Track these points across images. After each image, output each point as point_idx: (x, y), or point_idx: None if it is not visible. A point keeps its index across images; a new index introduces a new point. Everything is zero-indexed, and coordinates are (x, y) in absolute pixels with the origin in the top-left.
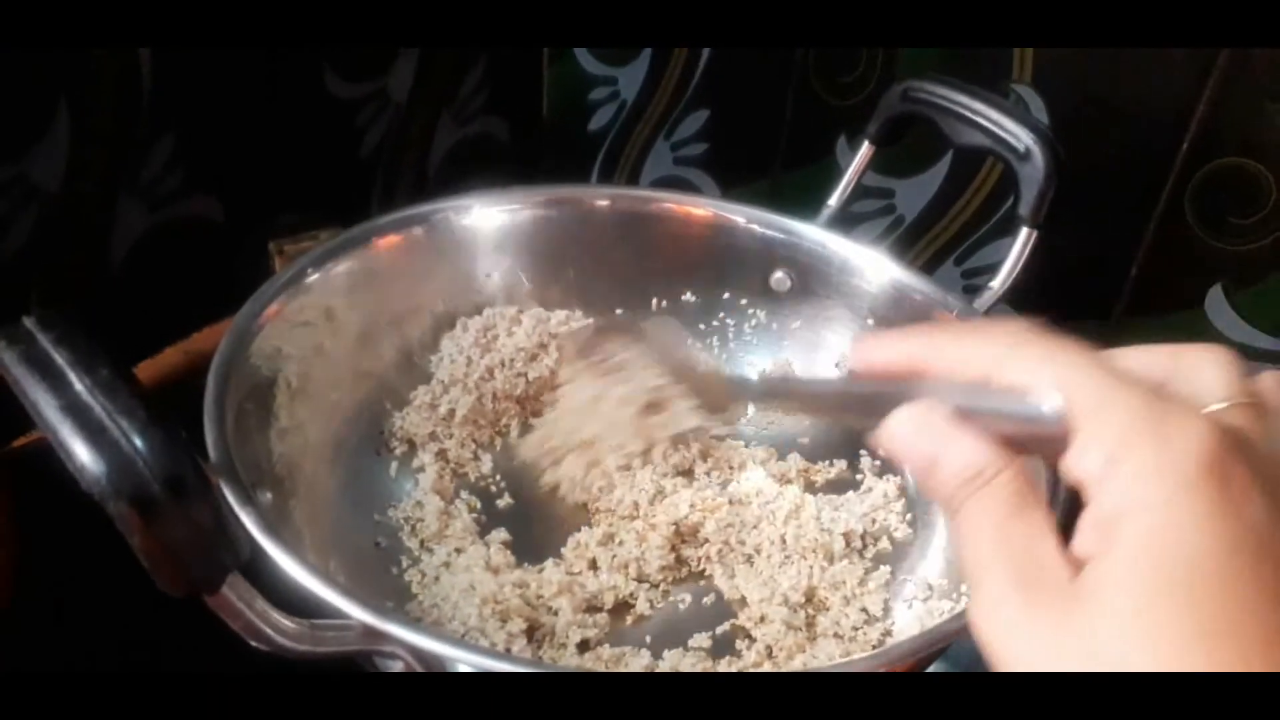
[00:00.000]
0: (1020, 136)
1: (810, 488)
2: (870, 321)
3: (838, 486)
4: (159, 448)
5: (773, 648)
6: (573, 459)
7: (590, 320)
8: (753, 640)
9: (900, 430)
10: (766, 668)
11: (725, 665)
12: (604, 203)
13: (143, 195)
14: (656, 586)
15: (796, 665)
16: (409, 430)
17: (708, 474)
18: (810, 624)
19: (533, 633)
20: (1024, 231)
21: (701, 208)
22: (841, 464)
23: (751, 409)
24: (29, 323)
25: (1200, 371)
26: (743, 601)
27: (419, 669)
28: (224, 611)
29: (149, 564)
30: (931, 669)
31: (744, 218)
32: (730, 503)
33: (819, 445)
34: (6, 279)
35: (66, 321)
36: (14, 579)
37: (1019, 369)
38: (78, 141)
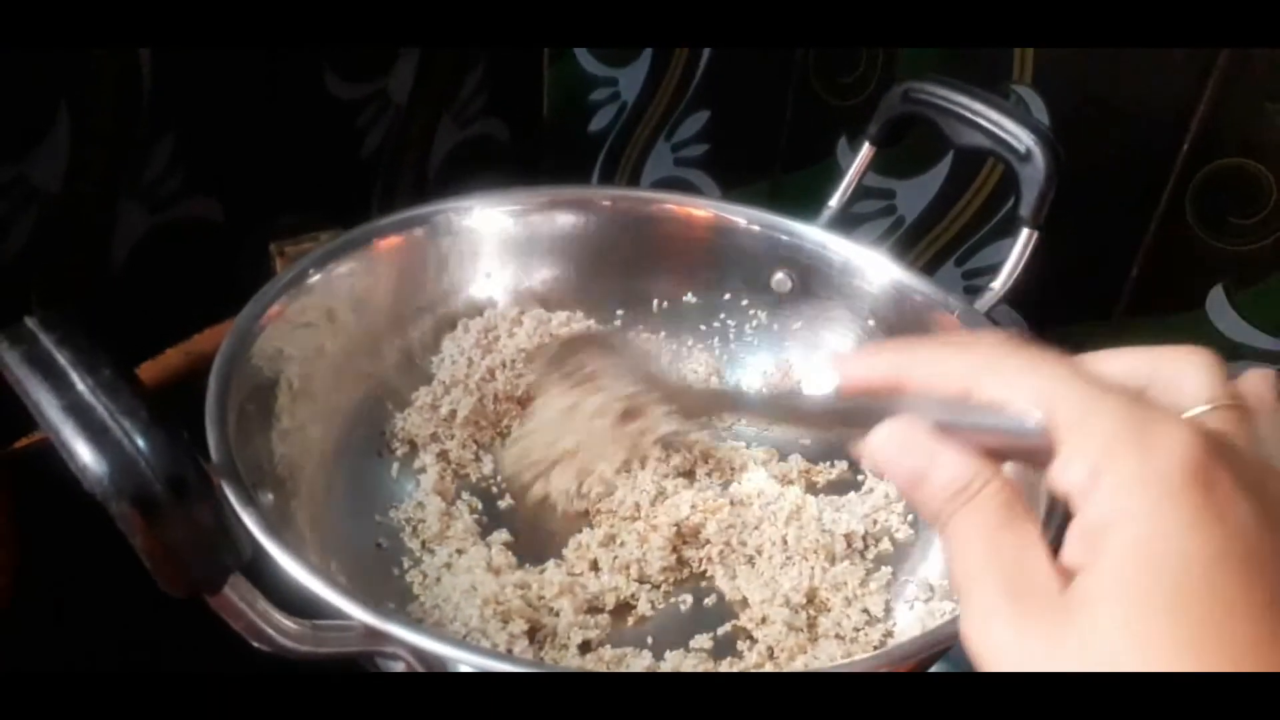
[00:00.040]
0: (1021, 137)
1: (812, 489)
2: (871, 323)
3: (839, 487)
4: (161, 448)
5: (774, 649)
6: (561, 471)
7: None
8: (754, 641)
9: (884, 446)
10: (768, 669)
11: (726, 666)
12: (605, 204)
13: (143, 196)
14: (658, 588)
15: (798, 666)
16: (410, 431)
17: (709, 475)
18: (811, 625)
19: (534, 634)
20: (1025, 232)
21: (702, 209)
22: (843, 465)
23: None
24: (31, 323)
25: (1182, 375)
26: (744, 602)
27: (420, 670)
28: (226, 612)
29: (151, 564)
30: (933, 669)
31: (745, 219)
32: (731, 504)
33: (820, 446)
34: (7, 279)
35: (68, 322)
36: (14, 579)
37: (998, 383)
38: (78, 142)
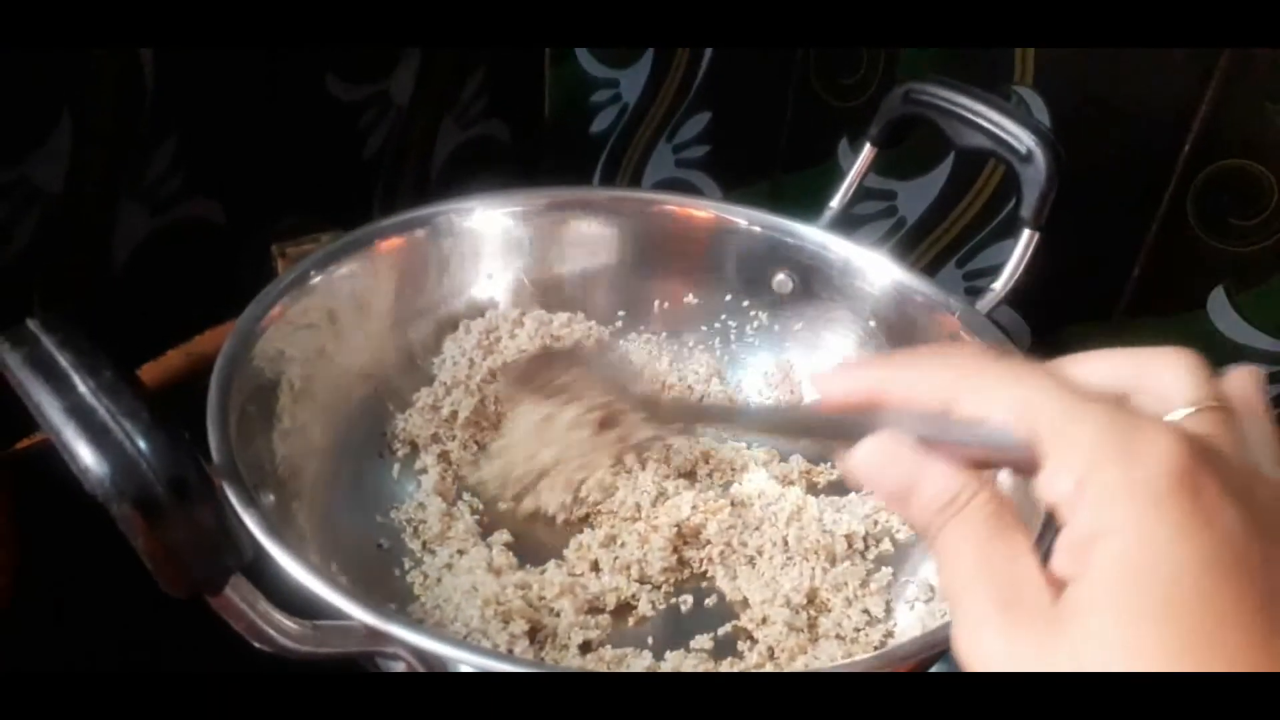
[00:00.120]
0: (1022, 138)
1: (812, 489)
2: (872, 323)
3: (840, 488)
4: (162, 449)
5: (774, 649)
6: (549, 485)
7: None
8: (754, 642)
9: (868, 461)
10: (768, 669)
11: (727, 667)
12: (606, 205)
13: (145, 197)
14: (658, 588)
15: (798, 666)
16: (411, 432)
17: (709, 476)
18: (812, 625)
19: (535, 634)
20: (1026, 233)
21: (703, 210)
22: None
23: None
24: (33, 325)
25: (1166, 377)
26: (744, 603)
27: (421, 670)
28: (227, 612)
29: (152, 565)
30: (933, 670)
31: (746, 220)
32: (732, 504)
33: (821, 447)
34: (9, 281)
35: (70, 324)
36: (14, 579)
37: (979, 396)
38: (80, 143)
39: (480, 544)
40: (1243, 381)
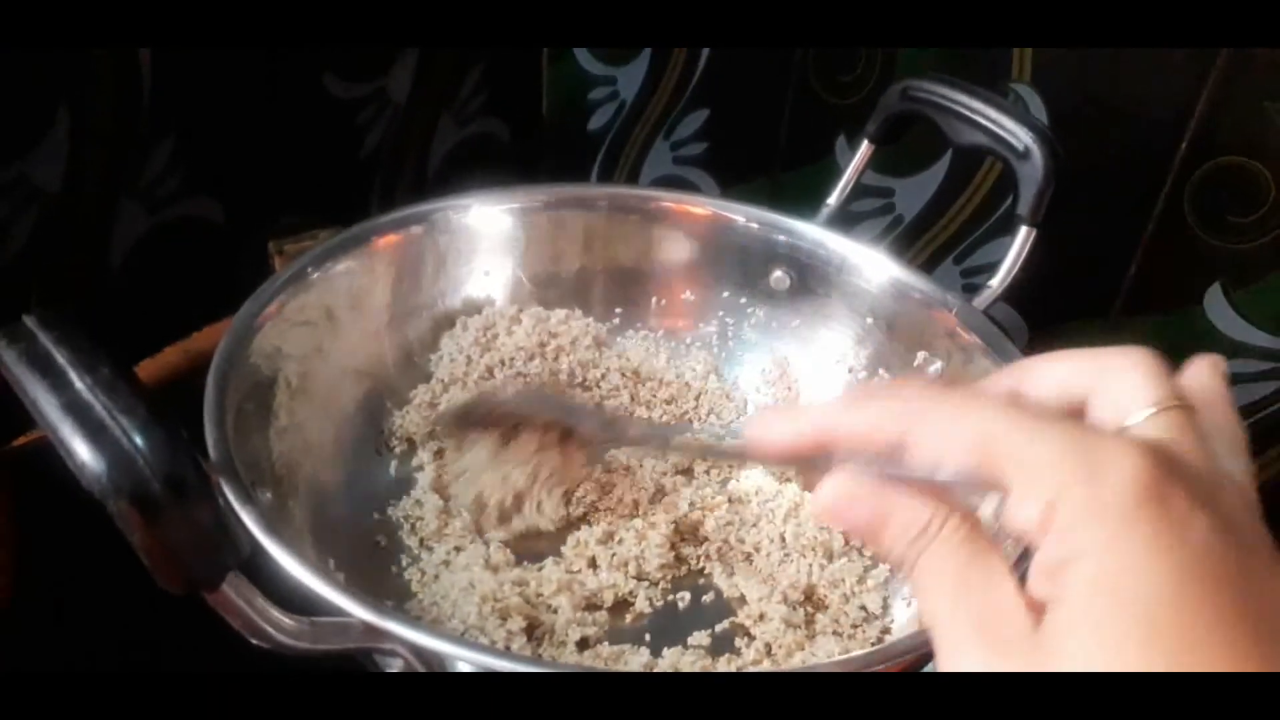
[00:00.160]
0: (1019, 135)
1: (809, 486)
2: (869, 320)
3: None
4: (159, 446)
5: (771, 645)
6: (534, 502)
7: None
8: (752, 638)
9: (833, 502)
10: (765, 665)
11: (724, 663)
12: (603, 202)
13: (143, 196)
14: (656, 584)
15: (795, 663)
16: (409, 429)
17: (707, 472)
18: (809, 621)
19: (532, 630)
20: (1023, 230)
21: (701, 206)
22: None
23: (751, 409)
24: (30, 322)
25: (1122, 378)
26: (742, 599)
27: (418, 667)
28: (224, 609)
29: (149, 562)
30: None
31: (743, 216)
32: (730, 501)
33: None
34: (7, 279)
35: (67, 321)
36: (14, 579)
37: (932, 432)
38: (78, 142)
39: (477, 540)
40: (1201, 373)
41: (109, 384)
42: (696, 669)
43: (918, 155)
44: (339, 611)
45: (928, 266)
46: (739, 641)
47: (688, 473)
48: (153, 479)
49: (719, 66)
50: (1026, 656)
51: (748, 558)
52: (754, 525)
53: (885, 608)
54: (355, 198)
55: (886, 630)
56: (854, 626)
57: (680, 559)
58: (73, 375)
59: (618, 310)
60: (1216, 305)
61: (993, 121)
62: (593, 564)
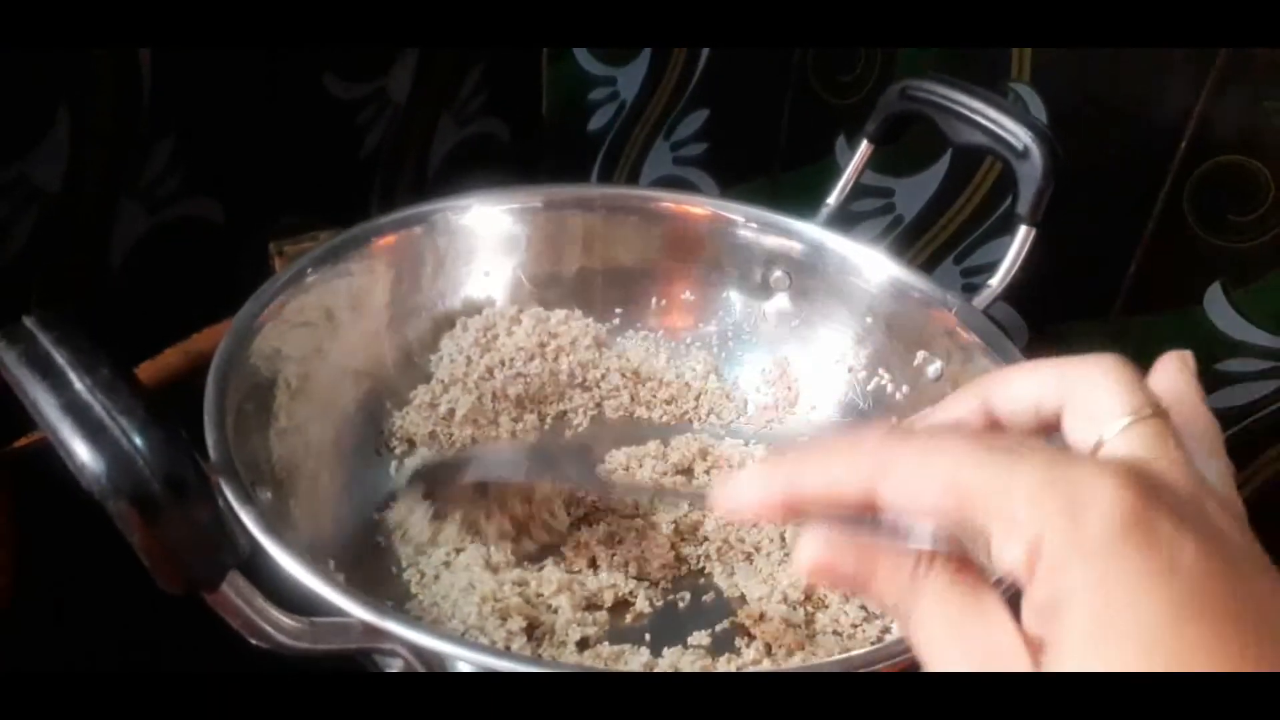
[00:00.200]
0: (1019, 135)
1: None
2: (869, 320)
3: None
4: (159, 446)
5: (772, 645)
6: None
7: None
8: (752, 638)
9: (815, 561)
10: (765, 665)
11: (724, 663)
12: (603, 202)
13: (143, 196)
14: (656, 585)
15: (795, 662)
16: (409, 430)
17: (707, 473)
18: (809, 621)
19: (532, 631)
20: (1022, 229)
21: (700, 206)
22: None
23: (751, 409)
24: (29, 322)
25: (1094, 390)
26: (742, 599)
27: (418, 667)
28: (223, 609)
29: (149, 562)
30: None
31: (743, 216)
32: None
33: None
34: (7, 280)
35: (66, 321)
36: (14, 579)
37: (900, 482)
38: (78, 143)
39: (477, 540)
40: (1170, 373)
41: (108, 384)
42: (696, 669)
43: (917, 155)
44: (339, 612)
45: (928, 266)
46: (739, 641)
47: (687, 472)
48: (152, 479)
49: (719, 67)
50: None
51: (748, 557)
52: (754, 525)
53: None
54: (355, 198)
55: (886, 629)
56: (854, 626)
57: (680, 559)
58: (72, 376)
59: (618, 310)
60: (1216, 304)
61: (992, 121)
62: (593, 564)
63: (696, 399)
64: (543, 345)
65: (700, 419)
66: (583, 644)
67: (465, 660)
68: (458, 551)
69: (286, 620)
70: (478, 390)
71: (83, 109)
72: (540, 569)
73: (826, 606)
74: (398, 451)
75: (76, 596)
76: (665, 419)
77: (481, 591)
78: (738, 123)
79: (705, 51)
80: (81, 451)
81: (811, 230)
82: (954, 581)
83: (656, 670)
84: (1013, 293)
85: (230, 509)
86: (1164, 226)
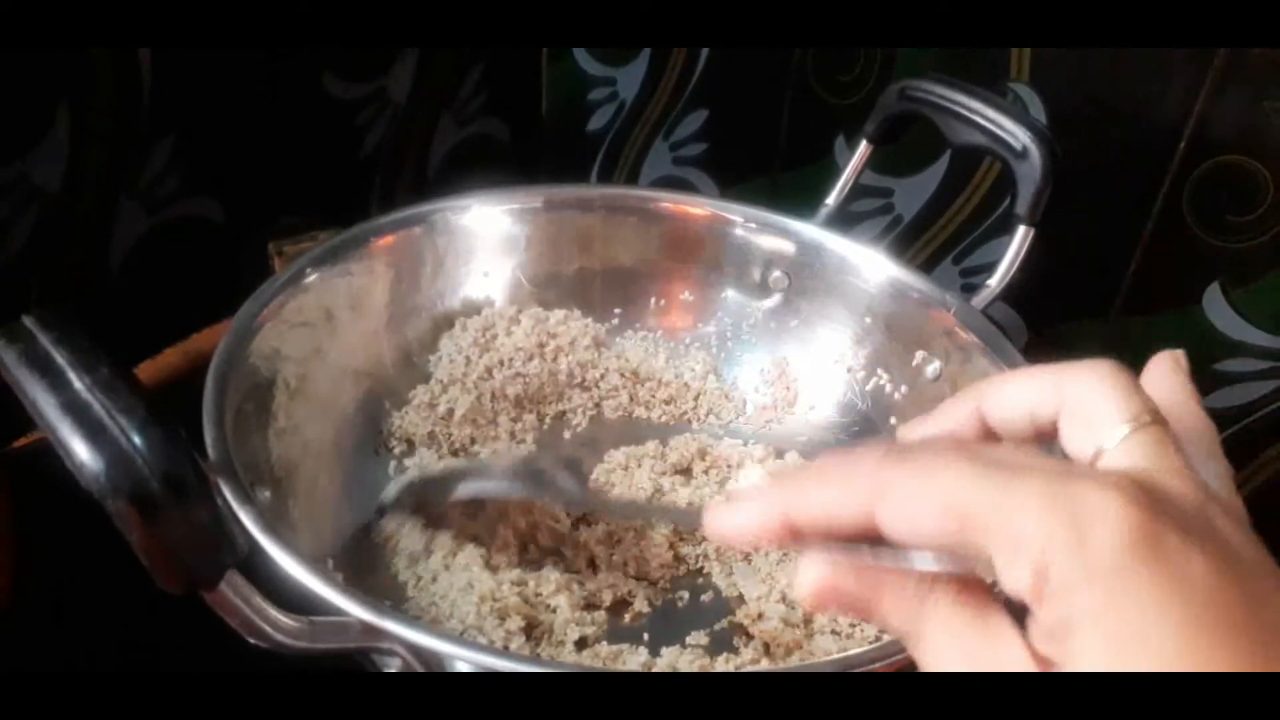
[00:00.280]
0: (1017, 135)
1: None
2: (868, 320)
3: None
4: (158, 446)
5: (770, 645)
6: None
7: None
8: (750, 637)
9: (818, 589)
10: (764, 664)
11: (723, 662)
12: (602, 202)
13: (143, 196)
14: (655, 584)
15: (794, 661)
16: (408, 430)
17: (705, 472)
18: (807, 621)
19: (531, 630)
20: (1021, 229)
21: (699, 207)
22: None
23: (750, 409)
24: (29, 321)
25: (1090, 397)
26: (740, 599)
27: (417, 666)
28: (222, 608)
29: (147, 561)
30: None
31: (742, 217)
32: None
33: (816, 444)
34: (7, 279)
35: (66, 320)
36: (14, 579)
37: (898, 505)
38: (78, 142)
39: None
40: (1164, 374)
41: (108, 384)
42: (695, 668)
43: (916, 155)
44: (337, 611)
45: (927, 266)
46: (737, 640)
47: (686, 472)
48: (151, 479)
49: (718, 67)
50: None
51: (746, 557)
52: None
53: None
54: (355, 198)
55: None
56: (851, 625)
57: (679, 558)
58: (71, 375)
59: (617, 310)
60: (1215, 304)
61: (991, 121)
62: (592, 564)
63: (695, 399)
64: (542, 345)
65: (699, 419)
66: (581, 643)
67: (463, 659)
68: (454, 554)
69: (285, 619)
70: (477, 390)
71: (83, 108)
72: (539, 568)
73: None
74: (396, 451)
75: (76, 596)
76: (664, 419)
77: (480, 591)
78: (737, 123)
79: (705, 52)
80: (80, 451)
81: (810, 230)
82: (960, 602)
83: (655, 670)
84: (1012, 293)
85: (229, 508)
86: (1163, 226)
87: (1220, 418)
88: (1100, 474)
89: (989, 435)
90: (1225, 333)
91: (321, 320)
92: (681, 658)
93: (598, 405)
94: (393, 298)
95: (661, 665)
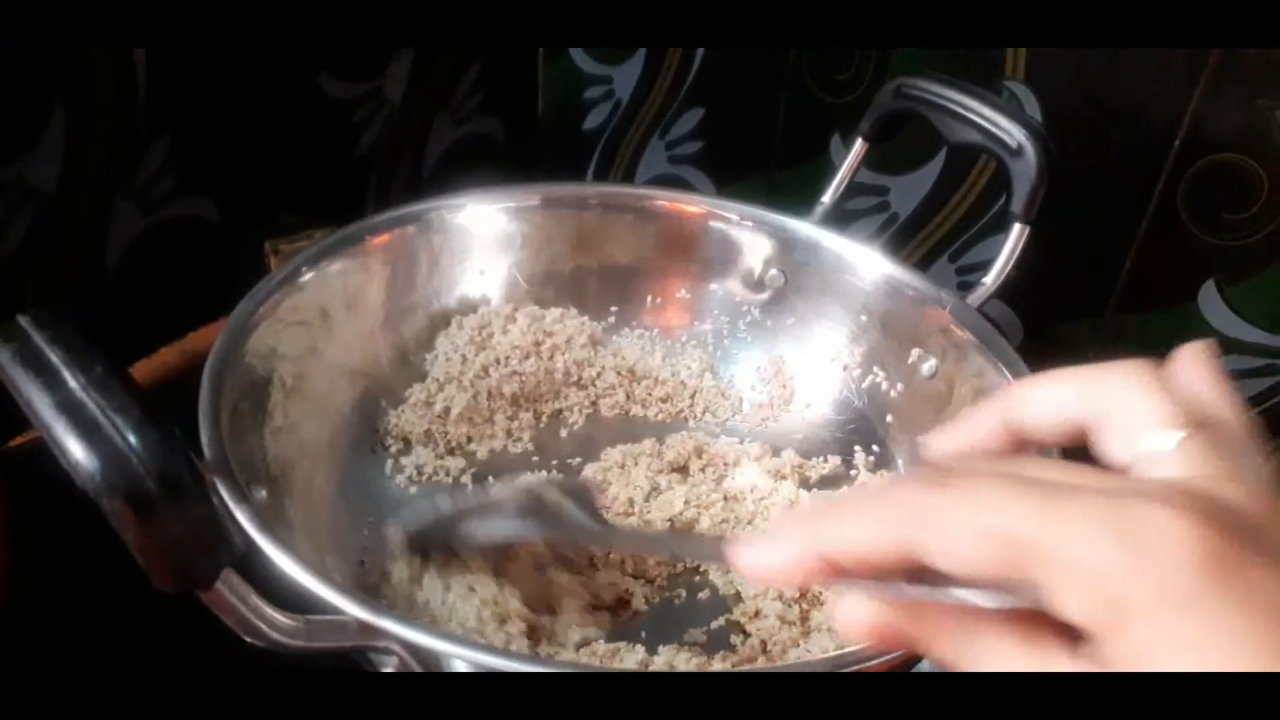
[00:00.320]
0: (1013, 133)
1: (804, 484)
2: (864, 318)
3: (831, 482)
4: (153, 445)
5: (767, 643)
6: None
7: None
8: (747, 635)
9: (872, 630)
10: (761, 662)
11: (720, 660)
12: (597, 200)
13: (138, 196)
14: (652, 583)
15: (791, 659)
16: (404, 428)
17: (702, 471)
18: (804, 618)
19: (532, 632)
20: (1016, 227)
21: (695, 205)
22: (835, 460)
23: (746, 407)
24: (23, 320)
25: (1128, 403)
26: (737, 597)
27: (414, 665)
28: (218, 607)
29: (143, 560)
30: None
31: (738, 215)
32: (725, 499)
33: (813, 442)
34: (2, 279)
35: (61, 320)
36: (11, 579)
37: (943, 537)
38: (73, 143)
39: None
40: (1197, 368)
41: (102, 383)
42: (692, 666)
43: (912, 153)
44: (334, 610)
45: (923, 264)
46: (734, 638)
47: (683, 471)
48: (146, 478)
49: (714, 65)
50: None
51: (715, 535)
52: (749, 523)
53: None
54: (351, 197)
55: None
56: None
57: (676, 556)
58: (66, 375)
59: (613, 309)
60: (1211, 302)
61: (986, 119)
62: (591, 563)
63: (692, 397)
64: (538, 344)
65: (695, 417)
66: (579, 642)
67: (461, 659)
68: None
69: (281, 618)
70: (473, 389)
71: (78, 108)
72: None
73: (821, 603)
74: (393, 450)
75: (73, 596)
76: (661, 417)
77: (482, 595)
78: (733, 121)
79: (700, 51)
80: (75, 450)
81: (806, 228)
82: (1010, 631)
83: (652, 668)
84: (1007, 290)
85: (225, 507)
86: (1158, 224)
87: None
88: (1155, 490)
89: (1017, 444)
90: (1221, 330)
91: (317, 319)
92: (679, 656)
93: (594, 403)
94: (389, 296)
95: (659, 664)
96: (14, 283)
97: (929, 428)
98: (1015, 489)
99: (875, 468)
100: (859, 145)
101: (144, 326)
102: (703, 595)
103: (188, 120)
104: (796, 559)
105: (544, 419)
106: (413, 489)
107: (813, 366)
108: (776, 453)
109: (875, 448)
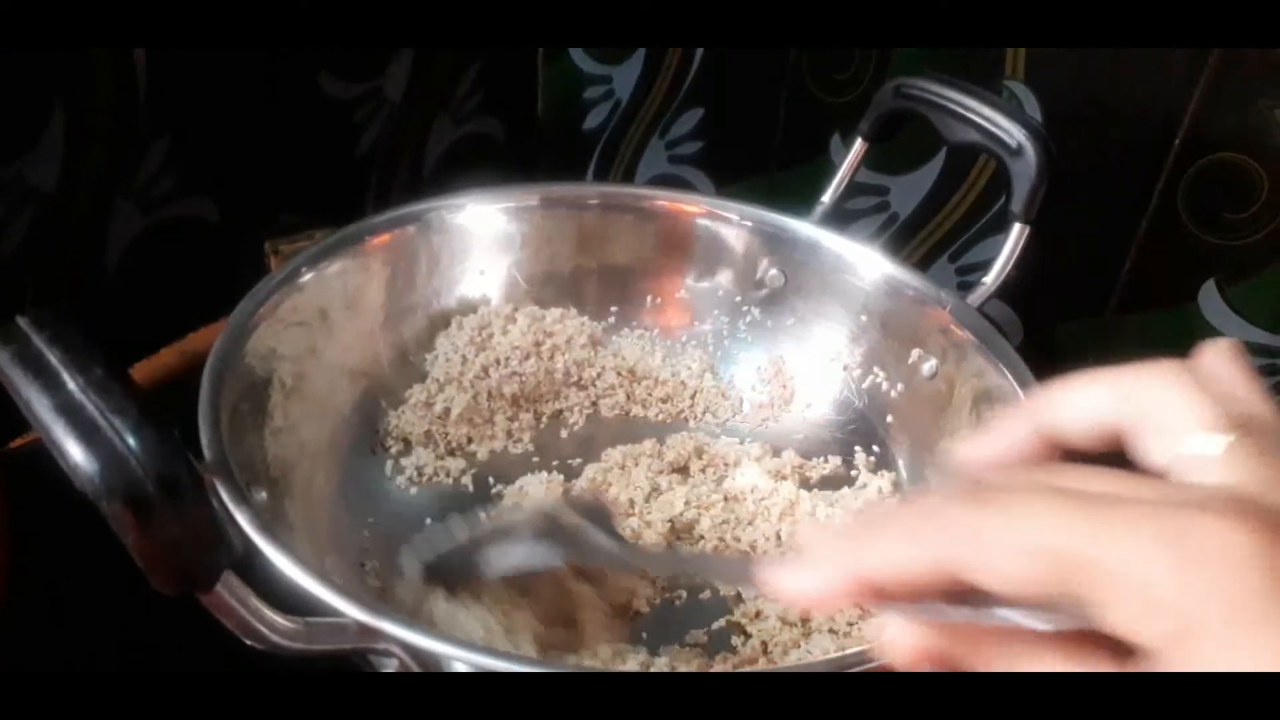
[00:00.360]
0: (1012, 133)
1: (805, 484)
2: (864, 318)
3: (832, 482)
4: (152, 447)
5: (768, 644)
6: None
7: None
8: (748, 636)
9: (919, 654)
10: (762, 663)
11: (720, 661)
12: (597, 200)
13: (138, 196)
14: (654, 583)
15: (791, 660)
16: (404, 429)
17: (703, 471)
18: (805, 620)
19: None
20: (1016, 227)
21: (695, 205)
22: (836, 460)
23: (746, 407)
24: (22, 322)
25: (1164, 404)
26: (738, 597)
27: (414, 667)
28: (218, 610)
29: (143, 562)
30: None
31: (737, 215)
32: (725, 499)
33: (813, 442)
34: (2, 280)
35: (60, 321)
36: (11, 579)
37: (985, 555)
38: (73, 143)
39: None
40: (1229, 368)
41: (102, 385)
42: (693, 667)
43: (912, 153)
44: (334, 612)
45: (923, 264)
46: (735, 639)
47: (683, 471)
48: (145, 480)
49: (714, 65)
50: None
51: (744, 556)
52: (750, 523)
53: None
54: (351, 197)
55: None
56: (849, 624)
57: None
58: (65, 376)
59: (613, 309)
60: (1211, 302)
61: (986, 119)
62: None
63: (692, 397)
64: (538, 344)
65: (696, 417)
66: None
67: (460, 660)
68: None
69: (281, 620)
70: (473, 389)
71: (78, 109)
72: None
73: None
74: (393, 451)
75: (72, 597)
76: (661, 417)
77: (494, 618)
78: (733, 121)
79: (700, 51)
80: (75, 452)
81: (806, 228)
82: (1059, 651)
83: (653, 669)
84: (1007, 290)
85: (225, 509)
86: (1158, 224)
87: None
88: (1206, 499)
89: (1050, 451)
90: (1221, 330)
91: (317, 319)
92: (679, 657)
93: (594, 404)
94: (389, 297)
95: (660, 665)
96: (14, 283)
97: (929, 428)
98: (1061, 503)
99: (875, 468)
100: (859, 145)
101: (144, 327)
102: (704, 596)
103: (188, 120)
104: (834, 582)
105: (544, 419)
106: (413, 490)
107: (813, 367)
108: (777, 453)
109: (875, 448)
